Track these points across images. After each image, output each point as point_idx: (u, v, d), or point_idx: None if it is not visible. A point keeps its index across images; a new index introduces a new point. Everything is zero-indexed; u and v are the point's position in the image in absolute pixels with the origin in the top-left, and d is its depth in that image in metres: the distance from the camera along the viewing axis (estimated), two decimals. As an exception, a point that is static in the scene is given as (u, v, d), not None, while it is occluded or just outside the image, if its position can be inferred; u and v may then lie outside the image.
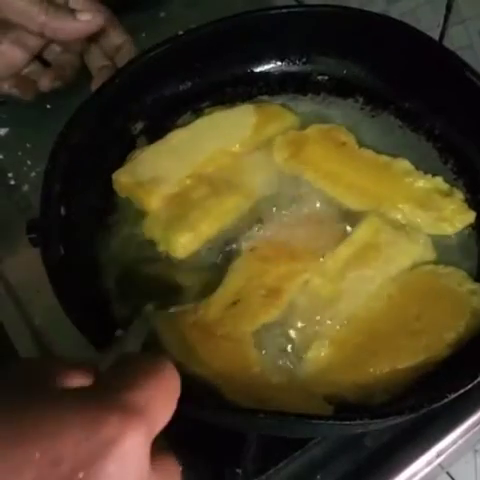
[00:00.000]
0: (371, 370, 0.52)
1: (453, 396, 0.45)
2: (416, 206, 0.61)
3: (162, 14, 0.90)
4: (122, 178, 0.63)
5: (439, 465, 0.60)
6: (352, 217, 0.62)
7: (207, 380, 0.53)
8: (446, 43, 0.79)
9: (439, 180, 0.63)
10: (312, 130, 0.66)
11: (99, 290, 0.58)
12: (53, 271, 0.52)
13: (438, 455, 0.58)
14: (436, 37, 0.80)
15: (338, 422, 0.44)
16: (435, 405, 0.45)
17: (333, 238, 0.61)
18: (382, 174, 0.63)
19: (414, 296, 0.57)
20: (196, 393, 0.52)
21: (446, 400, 0.45)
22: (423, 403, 0.45)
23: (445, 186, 0.62)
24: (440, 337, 0.53)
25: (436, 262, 0.60)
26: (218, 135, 0.65)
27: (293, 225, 0.61)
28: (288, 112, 0.68)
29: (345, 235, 0.61)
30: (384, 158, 0.64)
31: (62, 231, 0.56)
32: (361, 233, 0.60)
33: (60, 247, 0.55)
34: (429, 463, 0.57)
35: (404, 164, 0.64)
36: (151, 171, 0.62)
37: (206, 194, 0.62)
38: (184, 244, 0.59)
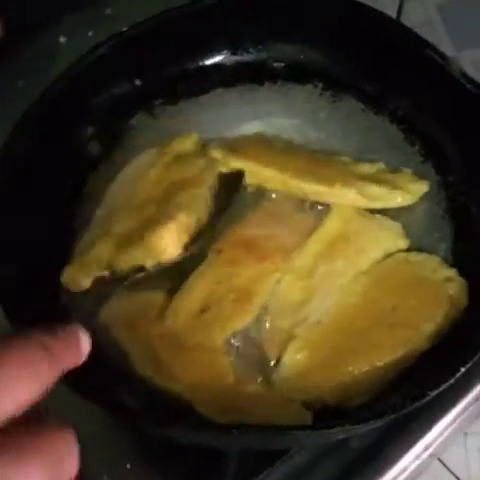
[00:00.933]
0: (350, 369, 0.50)
1: (435, 393, 0.43)
2: (368, 182, 0.59)
3: (108, 11, 0.86)
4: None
5: (429, 456, 0.58)
6: (316, 208, 0.59)
7: (177, 395, 0.50)
8: (404, 20, 0.77)
9: (381, 165, 0.61)
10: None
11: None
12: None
13: (426, 448, 0.56)
14: (393, 15, 0.78)
15: (316, 432, 0.42)
16: (417, 404, 0.43)
17: (301, 232, 0.58)
18: (325, 163, 0.61)
19: (388, 287, 0.54)
20: (165, 410, 0.50)
21: (428, 398, 0.43)
22: (405, 403, 0.42)
23: (389, 169, 0.61)
24: (418, 329, 0.51)
25: (408, 249, 0.57)
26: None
27: (258, 223, 0.59)
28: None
29: (312, 227, 0.58)
30: (321, 155, 0.62)
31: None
32: (329, 225, 0.58)
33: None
34: (418, 457, 0.55)
35: (344, 158, 0.62)
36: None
37: (153, 213, 0.57)
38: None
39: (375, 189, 0.58)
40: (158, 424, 0.45)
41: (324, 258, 0.56)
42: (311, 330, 0.53)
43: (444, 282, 0.54)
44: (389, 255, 0.57)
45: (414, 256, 0.56)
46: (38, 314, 0.51)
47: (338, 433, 0.42)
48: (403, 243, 0.58)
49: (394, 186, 0.59)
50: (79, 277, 0.54)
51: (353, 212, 0.58)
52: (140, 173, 0.60)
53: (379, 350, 0.51)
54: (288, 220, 0.59)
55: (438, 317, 0.51)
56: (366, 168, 0.61)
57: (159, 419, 0.46)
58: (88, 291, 0.54)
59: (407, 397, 0.43)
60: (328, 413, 0.49)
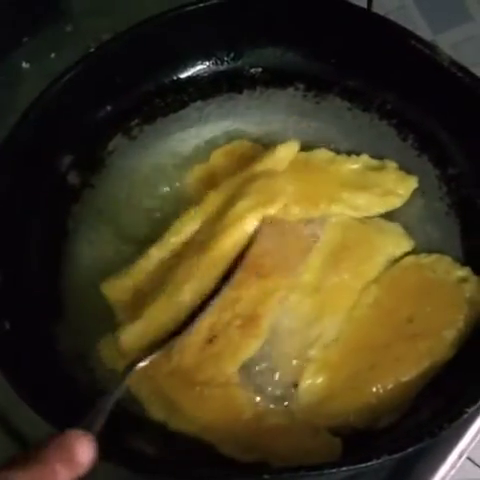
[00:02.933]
0: (374, 389, 0.47)
1: (473, 409, 0.40)
2: (354, 190, 0.56)
3: (68, 28, 0.82)
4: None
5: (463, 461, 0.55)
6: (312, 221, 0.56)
7: (196, 436, 0.47)
8: (376, 7, 0.74)
9: (365, 158, 0.59)
10: (215, 157, 0.61)
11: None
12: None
13: (460, 455, 0.53)
14: (364, 3, 0.75)
15: (353, 467, 0.39)
16: (455, 423, 0.40)
17: (300, 247, 0.55)
18: (302, 171, 0.58)
19: (402, 295, 0.52)
20: (184, 454, 0.47)
21: (466, 416, 0.40)
22: (442, 424, 0.40)
23: (373, 162, 0.58)
24: (440, 337, 0.49)
25: (416, 251, 0.55)
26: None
27: (255, 242, 0.55)
28: None
29: (311, 241, 0.55)
30: (300, 154, 0.59)
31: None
32: (329, 236, 0.55)
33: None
34: (453, 466, 0.53)
35: (322, 154, 0.59)
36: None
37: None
38: None
39: (361, 198, 0.56)
40: (180, 473, 0.42)
41: (329, 271, 0.53)
42: (327, 350, 0.50)
43: (459, 283, 0.51)
44: (397, 260, 0.54)
45: (424, 258, 0.54)
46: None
47: (374, 465, 0.39)
48: (407, 244, 0.55)
49: (382, 189, 0.56)
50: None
51: (350, 220, 0.56)
52: None
53: (402, 364, 0.48)
54: (285, 236, 0.56)
55: (459, 321, 0.49)
56: (349, 165, 0.58)
57: (180, 467, 0.43)
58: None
59: (442, 416, 0.41)
60: (357, 438, 0.46)
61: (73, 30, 0.82)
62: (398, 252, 0.55)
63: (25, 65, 0.77)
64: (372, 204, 0.57)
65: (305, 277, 0.53)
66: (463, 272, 0.52)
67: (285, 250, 0.55)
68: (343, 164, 0.58)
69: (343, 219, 0.56)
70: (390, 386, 0.47)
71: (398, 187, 0.57)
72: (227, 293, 0.52)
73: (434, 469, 0.52)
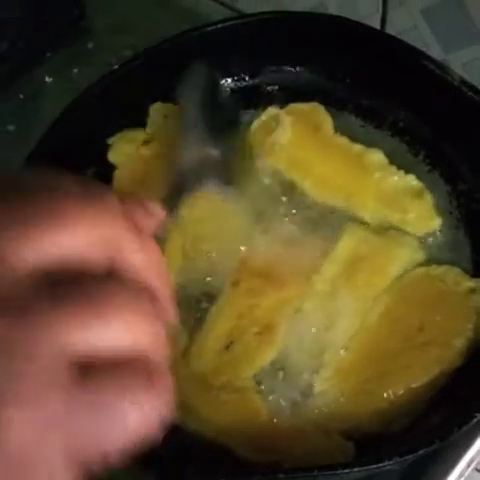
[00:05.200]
0: (385, 395, 0.49)
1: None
2: (383, 206, 0.58)
3: (90, 45, 0.85)
4: None
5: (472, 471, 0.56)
6: (328, 226, 0.58)
7: (212, 438, 0.49)
8: (389, 28, 0.76)
9: (411, 178, 0.59)
10: (289, 111, 0.63)
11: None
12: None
13: (469, 464, 0.54)
14: (377, 23, 0.77)
15: (365, 468, 0.40)
16: (465, 428, 0.41)
17: (315, 255, 0.57)
18: (354, 166, 0.60)
19: (412, 305, 0.53)
20: (201, 455, 0.48)
21: (475, 420, 0.41)
22: (452, 428, 0.41)
23: (417, 185, 0.59)
24: (449, 346, 0.50)
25: (427, 262, 0.56)
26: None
27: (271, 250, 0.57)
28: None
29: (325, 249, 0.57)
30: (358, 147, 0.61)
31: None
32: (343, 246, 0.57)
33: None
34: (461, 475, 0.54)
35: (377, 156, 0.60)
36: None
37: None
38: None
39: (386, 215, 0.58)
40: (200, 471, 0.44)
41: (343, 281, 0.55)
42: (339, 357, 0.52)
43: (468, 294, 0.53)
44: (408, 271, 0.56)
45: (434, 269, 0.55)
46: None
47: (387, 466, 0.41)
48: (419, 256, 0.57)
49: (404, 219, 0.57)
50: None
51: (366, 232, 0.57)
52: None
53: (412, 371, 0.50)
54: (300, 243, 0.58)
55: (468, 331, 0.51)
56: (393, 180, 0.59)
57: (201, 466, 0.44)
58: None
59: (452, 420, 0.42)
60: (369, 442, 0.47)
61: (94, 47, 0.85)
62: (410, 264, 0.56)
63: (48, 79, 0.80)
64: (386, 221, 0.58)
65: (319, 286, 0.55)
66: (472, 283, 0.54)
67: (300, 258, 0.57)
68: (389, 175, 0.59)
69: (358, 230, 0.57)
70: (401, 392, 0.49)
71: (419, 224, 0.57)
72: (244, 301, 0.54)
73: (442, 478, 0.53)
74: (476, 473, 0.58)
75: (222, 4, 0.84)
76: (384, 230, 0.58)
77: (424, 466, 0.53)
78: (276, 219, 0.59)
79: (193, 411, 0.50)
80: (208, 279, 0.57)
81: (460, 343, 0.50)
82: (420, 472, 0.53)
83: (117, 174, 0.62)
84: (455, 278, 0.54)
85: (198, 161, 0.54)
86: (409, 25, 0.73)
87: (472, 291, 0.53)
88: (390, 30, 0.74)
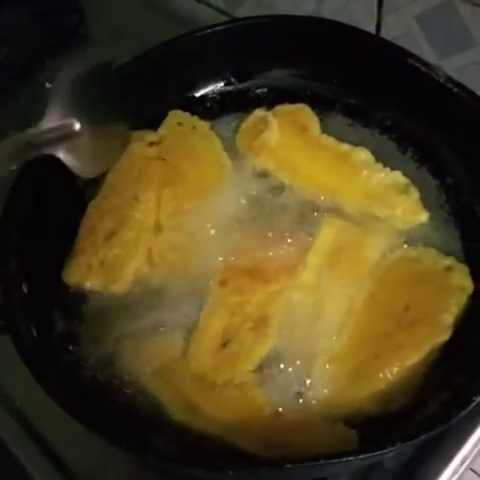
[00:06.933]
0: (381, 376, 0.50)
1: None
2: (370, 201, 0.60)
3: (89, 51, 0.86)
4: None
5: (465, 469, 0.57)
6: (311, 219, 0.60)
7: (218, 434, 0.49)
8: (384, 34, 0.76)
9: (398, 174, 0.61)
10: (276, 112, 0.65)
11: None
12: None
13: (462, 461, 0.55)
14: (373, 29, 0.77)
15: (369, 454, 0.41)
16: (463, 412, 0.43)
17: (298, 248, 0.59)
18: (341, 165, 0.62)
19: (395, 287, 0.55)
20: (208, 451, 0.49)
21: (473, 404, 0.43)
22: (451, 412, 0.42)
23: (403, 181, 0.61)
24: (436, 321, 0.52)
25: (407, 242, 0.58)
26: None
27: (254, 246, 0.58)
28: None
29: (307, 241, 0.58)
30: (345, 147, 0.62)
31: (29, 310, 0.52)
32: (324, 237, 0.58)
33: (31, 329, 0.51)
34: (455, 472, 0.55)
35: (364, 154, 0.62)
36: None
37: None
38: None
39: (374, 210, 0.60)
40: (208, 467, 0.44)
41: (327, 271, 0.57)
42: (332, 344, 0.53)
43: (446, 272, 0.55)
44: (386, 256, 0.57)
45: (411, 251, 0.57)
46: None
47: (390, 452, 0.42)
48: (396, 241, 0.58)
49: (392, 214, 0.59)
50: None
51: (345, 222, 0.59)
52: None
53: (403, 350, 0.51)
54: (282, 238, 0.59)
55: (451, 306, 0.52)
56: (380, 177, 0.60)
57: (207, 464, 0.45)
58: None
59: (451, 405, 0.43)
60: (371, 426, 0.49)
61: (92, 53, 0.86)
62: (390, 249, 0.58)
63: (48, 85, 0.81)
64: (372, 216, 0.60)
65: (304, 277, 0.56)
66: (448, 261, 0.55)
67: (283, 252, 0.58)
68: (376, 173, 0.61)
69: (336, 221, 0.59)
70: (395, 371, 0.50)
71: (406, 218, 0.59)
72: (234, 299, 0.56)
73: (436, 475, 0.54)
74: (469, 472, 0.59)
75: (221, 12, 0.85)
76: (362, 220, 0.59)
77: (418, 464, 0.54)
78: (263, 216, 0.61)
79: (197, 411, 0.51)
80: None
81: (445, 318, 0.52)
82: (414, 470, 0.54)
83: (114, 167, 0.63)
84: (432, 258, 0.56)
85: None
86: (404, 31, 0.73)
87: (449, 268, 0.55)
88: (385, 36, 0.74)
